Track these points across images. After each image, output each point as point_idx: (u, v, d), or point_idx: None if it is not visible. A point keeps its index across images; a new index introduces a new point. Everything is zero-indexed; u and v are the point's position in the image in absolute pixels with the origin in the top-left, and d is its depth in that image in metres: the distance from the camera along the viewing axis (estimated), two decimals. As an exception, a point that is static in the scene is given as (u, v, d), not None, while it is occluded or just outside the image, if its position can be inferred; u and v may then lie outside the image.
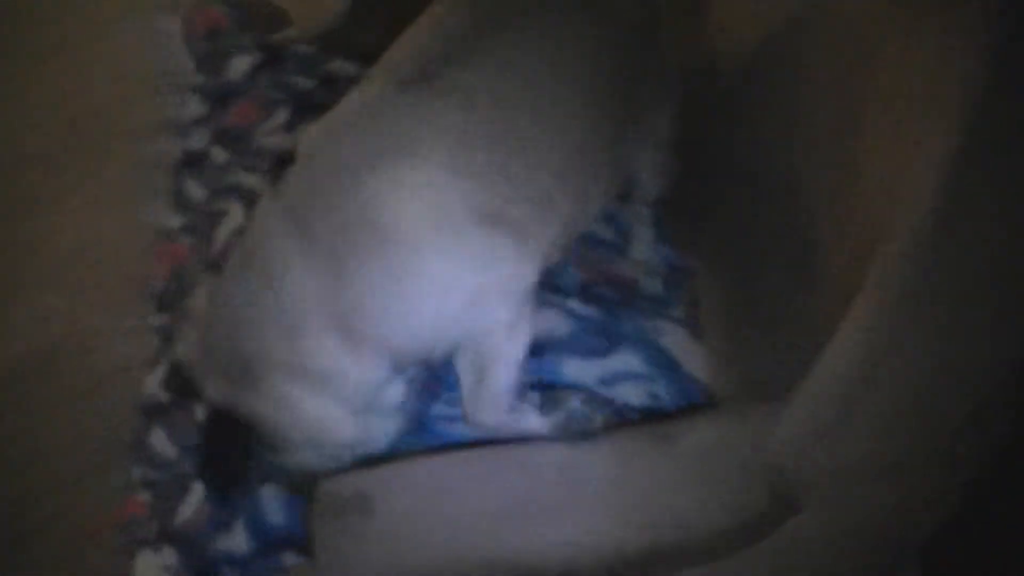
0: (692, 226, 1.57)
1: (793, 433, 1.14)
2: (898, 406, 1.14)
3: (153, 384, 1.59)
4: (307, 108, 1.71)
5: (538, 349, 1.40)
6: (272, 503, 1.39)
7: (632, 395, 1.39)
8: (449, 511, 1.13)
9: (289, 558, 1.35)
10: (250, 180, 1.66)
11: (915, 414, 1.16)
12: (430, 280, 1.22)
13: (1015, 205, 1.00)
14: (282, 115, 1.72)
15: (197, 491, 1.43)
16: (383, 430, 1.27)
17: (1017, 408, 1.15)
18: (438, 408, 1.36)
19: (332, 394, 1.22)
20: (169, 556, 1.39)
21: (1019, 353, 1.12)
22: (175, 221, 1.75)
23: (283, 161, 1.32)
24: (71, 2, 2.81)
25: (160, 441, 1.53)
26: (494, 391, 1.28)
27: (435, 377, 1.35)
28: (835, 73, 1.29)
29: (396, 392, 1.27)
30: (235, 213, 1.64)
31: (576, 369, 1.41)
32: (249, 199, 1.62)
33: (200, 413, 1.44)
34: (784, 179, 1.37)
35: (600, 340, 1.45)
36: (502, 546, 1.11)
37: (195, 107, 1.83)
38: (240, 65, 1.82)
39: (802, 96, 1.36)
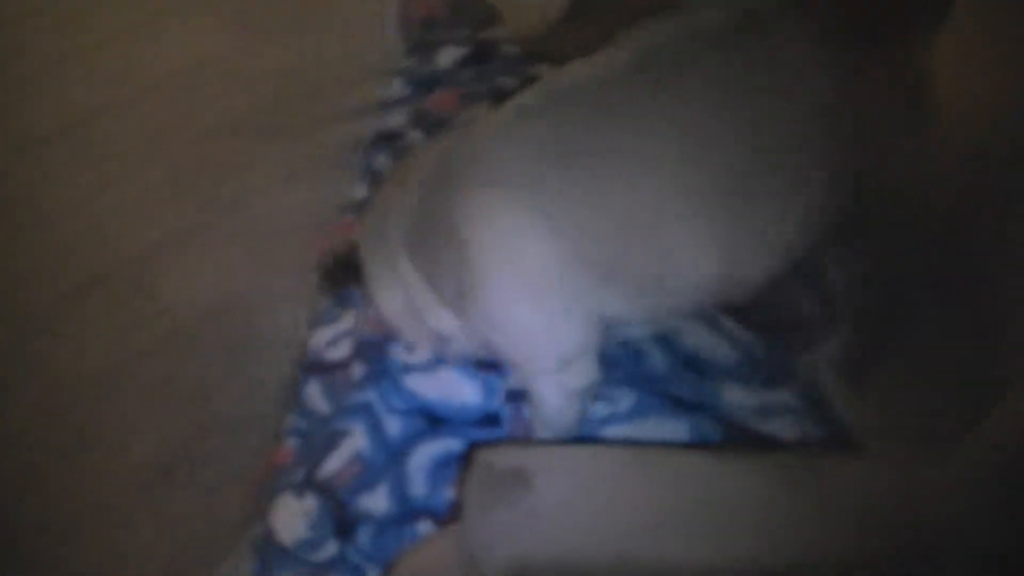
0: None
1: (948, 494, 1.12)
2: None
3: (321, 343, 1.64)
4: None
5: (698, 368, 1.42)
6: (418, 473, 1.43)
7: (786, 430, 1.40)
8: (606, 505, 1.15)
9: (425, 526, 1.39)
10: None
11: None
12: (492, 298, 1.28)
13: None
14: (481, 109, 1.76)
15: (346, 447, 1.47)
16: None
17: None
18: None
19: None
20: (310, 503, 1.43)
21: None
22: (361, 193, 1.81)
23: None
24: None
25: (315, 395, 1.58)
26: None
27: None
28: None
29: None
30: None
31: (737, 396, 1.42)
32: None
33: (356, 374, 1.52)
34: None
35: (759, 369, 1.46)
36: (660, 547, 1.12)
37: (398, 89, 1.90)
38: (448, 56, 1.88)
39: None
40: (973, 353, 1.25)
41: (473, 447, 1.26)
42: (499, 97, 1.76)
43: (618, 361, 1.45)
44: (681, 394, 1.43)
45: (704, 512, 1.14)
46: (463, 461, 1.41)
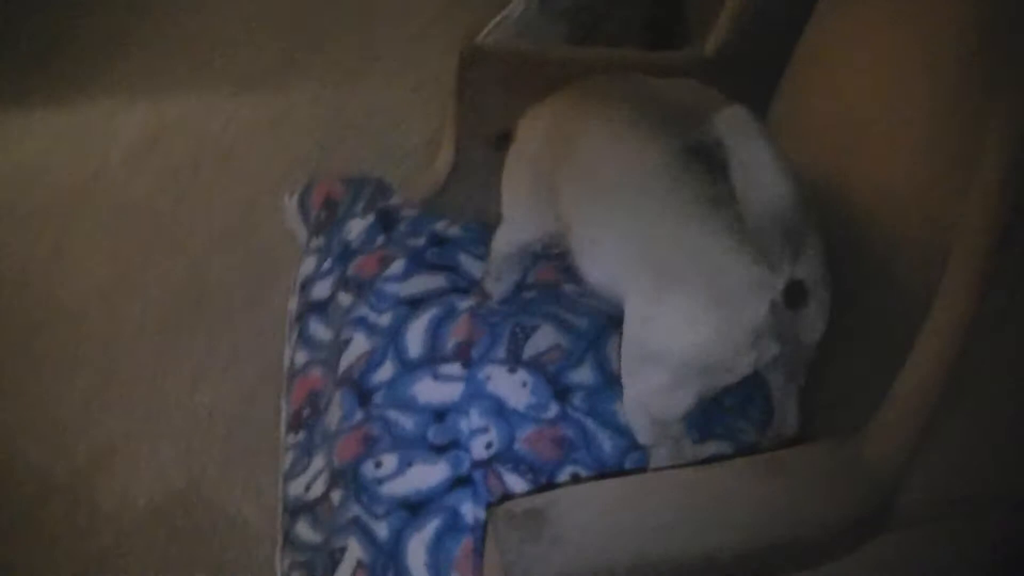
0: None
1: (880, 452, 1.37)
2: (980, 428, 1.37)
3: (300, 489, 1.79)
4: (421, 264, 2.00)
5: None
6: (417, 568, 1.59)
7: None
8: (615, 520, 1.34)
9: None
10: (373, 316, 1.91)
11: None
12: None
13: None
14: (399, 266, 1.98)
15: (348, 561, 1.62)
16: None
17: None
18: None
19: None
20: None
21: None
22: (302, 359, 1.99)
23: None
24: (184, 207, 3.18)
25: (304, 531, 1.74)
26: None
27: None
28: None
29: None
30: (359, 341, 1.88)
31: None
32: (371, 329, 1.88)
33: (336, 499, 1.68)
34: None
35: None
36: (666, 547, 1.31)
37: (314, 265, 2.11)
38: (356, 228, 2.11)
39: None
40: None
41: (488, 508, 1.43)
42: (412, 254, 2.00)
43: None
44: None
45: (698, 511, 1.35)
46: (454, 534, 1.61)
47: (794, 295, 1.41)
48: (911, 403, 1.34)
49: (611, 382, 1.72)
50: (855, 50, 1.75)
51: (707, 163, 1.47)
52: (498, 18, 3.23)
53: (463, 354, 1.83)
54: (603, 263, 1.64)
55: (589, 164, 1.66)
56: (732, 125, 1.42)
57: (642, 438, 1.65)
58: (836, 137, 1.72)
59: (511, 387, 1.78)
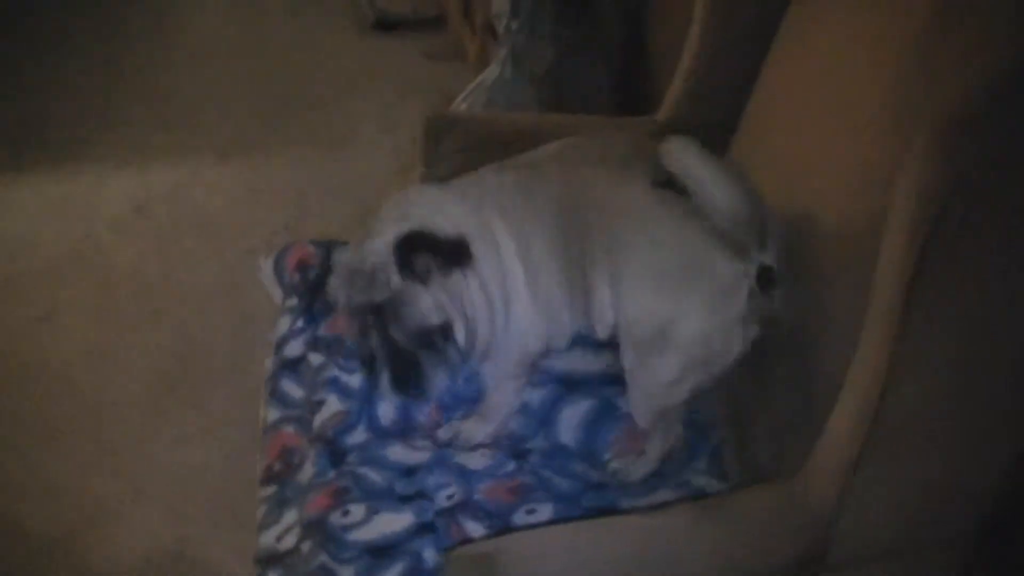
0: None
1: (816, 492, 1.45)
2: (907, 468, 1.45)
3: (271, 540, 1.87)
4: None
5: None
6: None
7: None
8: (565, 565, 1.42)
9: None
10: (345, 377, 1.99)
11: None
12: None
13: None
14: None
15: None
16: None
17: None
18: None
19: None
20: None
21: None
22: (275, 415, 2.07)
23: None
24: (168, 272, 3.28)
25: (276, 578, 1.82)
26: None
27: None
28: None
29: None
30: (332, 403, 1.97)
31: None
32: (344, 391, 1.97)
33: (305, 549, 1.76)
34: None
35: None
36: None
37: (287, 324, 2.20)
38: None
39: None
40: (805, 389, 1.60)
41: (443, 553, 1.51)
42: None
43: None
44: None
45: (641, 558, 1.43)
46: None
47: (766, 279, 1.56)
48: (842, 443, 1.42)
49: (561, 447, 1.88)
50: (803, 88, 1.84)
51: (673, 189, 1.66)
52: (472, 84, 3.34)
53: (432, 432, 1.95)
54: (626, 295, 1.75)
55: (602, 220, 1.80)
56: (676, 152, 1.63)
57: (643, 422, 1.78)
58: (784, 170, 1.80)
59: (474, 456, 1.89)
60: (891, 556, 1.58)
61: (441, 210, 1.81)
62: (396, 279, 1.73)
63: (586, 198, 1.83)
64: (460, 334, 1.77)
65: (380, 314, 1.74)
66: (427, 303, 1.73)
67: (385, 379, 1.77)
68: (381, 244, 1.76)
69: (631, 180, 1.78)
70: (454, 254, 1.74)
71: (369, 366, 1.81)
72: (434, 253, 1.73)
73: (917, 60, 1.44)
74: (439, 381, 1.78)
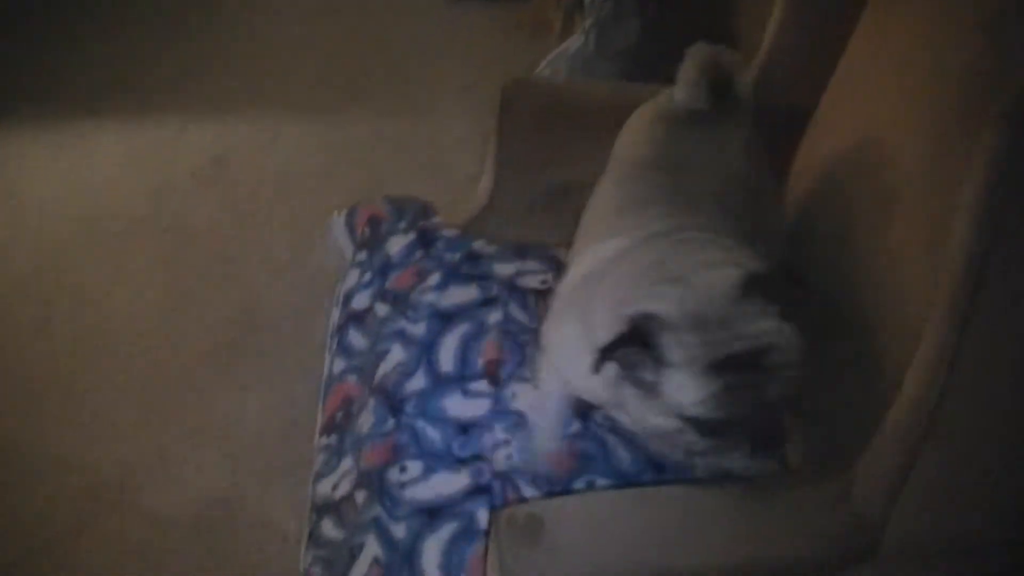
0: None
1: (867, 490, 1.42)
2: (960, 469, 1.41)
3: (327, 488, 1.88)
4: (456, 276, 2.08)
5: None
6: (430, 569, 1.67)
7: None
8: (609, 533, 1.41)
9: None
10: (409, 327, 1.99)
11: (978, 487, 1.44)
12: None
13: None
14: (435, 278, 2.07)
15: (365, 557, 1.71)
16: None
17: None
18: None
19: None
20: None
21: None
22: (340, 366, 2.08)
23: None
24: (243, 226, 3.32)
25: (329, 528, 1.84)
26: None
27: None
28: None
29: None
30: (396, 352, 1.97)
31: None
32: (407, 341, 1.96)
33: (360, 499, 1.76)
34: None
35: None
36: (655, 560, 1.39)
37: (356, 278, 2.20)
38: (397, 244, 2.20)
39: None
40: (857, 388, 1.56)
41: (492, 512, 1.49)
42: (448, 269, 2.08)
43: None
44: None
45: (689, 528, 1.41)
46: (469, 538, 1.68)
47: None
48: (897, 442, 1.39)
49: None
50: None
51: None
52: (554, 53, 3.33)
53: (491, 372, 1.91)
54: None
55: None
56: None
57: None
58: (859, 154, 1.77)
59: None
60: (944, 556, 1.54)
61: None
62: (771, 323, 1.36)
63: None
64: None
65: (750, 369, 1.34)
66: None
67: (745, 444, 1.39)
68: (728, 285, 1.37)
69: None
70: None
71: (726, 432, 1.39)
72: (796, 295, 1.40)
73: (991, 42, 1.41)
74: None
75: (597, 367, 1.34)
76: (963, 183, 1.25)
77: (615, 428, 1.78)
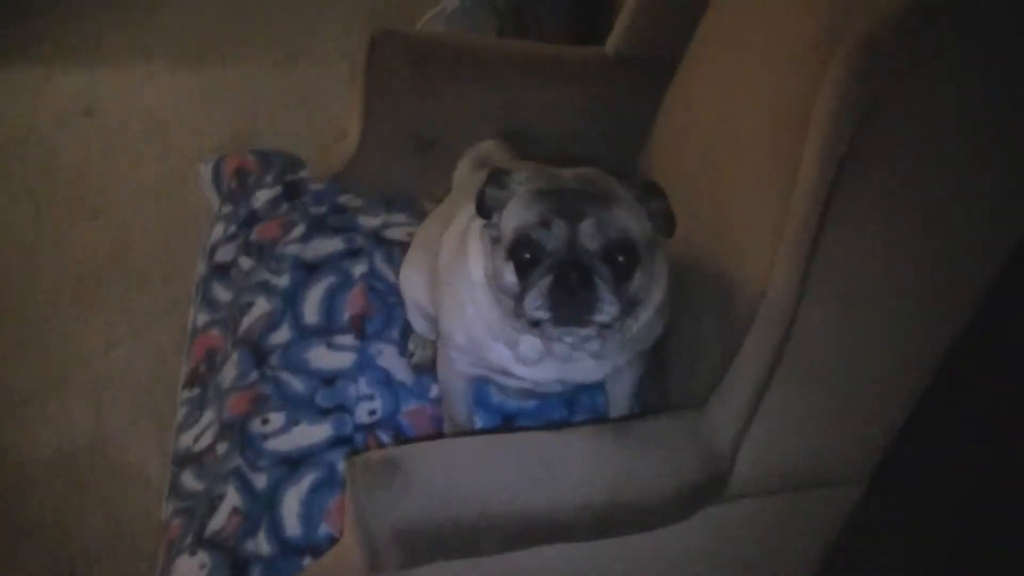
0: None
1: (717, 426, 1.48)
2: (804, 410, 1.48)
3: (188, 441, 1.88)
4: (321, 227, 2.08)
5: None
6: (290, 518, 1.68)
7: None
8: (464, 475, 1.43)
9: (308, 561, 1.64)
10: (273, 279, 1.99)
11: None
12: None
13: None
14: (299, 230, 2.07)
15: (225, 506, 1.71)
16: None
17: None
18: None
19: None
20: (203, 557, 1.66)
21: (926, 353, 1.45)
22: (203, 319, 2.07)
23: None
24: (112, 173, 3.25)
25: (189, 480, 1.83)
26: None
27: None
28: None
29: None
30: (260, 304, 1.97)
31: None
32: (271, 293, 1.97)
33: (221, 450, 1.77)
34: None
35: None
36: (509, 500, 1.41)
37: (221, 231, 2.19)
38: (263, 197, 2.19)
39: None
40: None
41: (347, 457, 1.52)
42: (313, 220, 2.08)
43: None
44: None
45: (542, 470, 1.45)
46: (330, 487, 1.71)
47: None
48: (744, 380, 1.44)
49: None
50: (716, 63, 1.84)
51: None
52: (433, 11, 3.32)
53: (356, 326, 1.93)
54: None
55: None
56: None
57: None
58: (716, 107, 1.77)
59: (401, 365, 1.90)
60: (791, 489, 1.61)
61: None
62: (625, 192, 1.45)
63: None
64: (645, 276, 1.44)
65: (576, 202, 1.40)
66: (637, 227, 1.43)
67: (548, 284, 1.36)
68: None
69: None
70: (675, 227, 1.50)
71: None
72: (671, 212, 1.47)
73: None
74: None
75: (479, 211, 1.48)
76: (809, 126, 1.28)
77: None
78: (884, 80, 1.18)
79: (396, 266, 1.99)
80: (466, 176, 1.96)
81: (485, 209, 1.47)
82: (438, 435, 1.80)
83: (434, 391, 1.86)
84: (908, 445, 1.59)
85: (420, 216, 2.12)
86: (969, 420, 2.27)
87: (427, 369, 1.88)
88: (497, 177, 1.47)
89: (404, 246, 2.01)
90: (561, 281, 1.36)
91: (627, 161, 2.11)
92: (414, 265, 1.84)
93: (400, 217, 2.14)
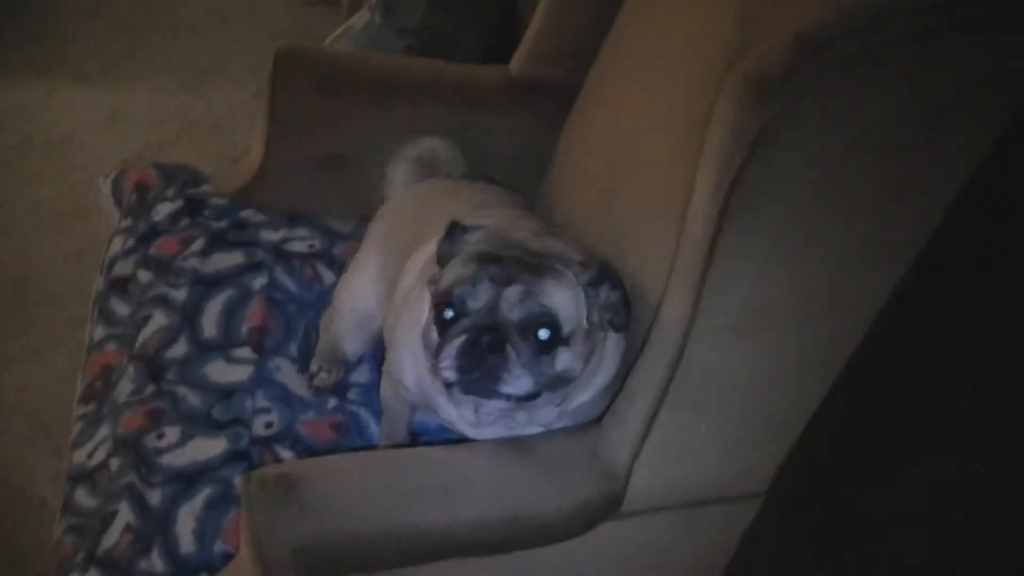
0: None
1: (613, 443, 1.49)
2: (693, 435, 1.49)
3: (83, 457, 1.84)
4: (221, 242, 2.06)
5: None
6: (185, 535, 1.65)
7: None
8: (361, 491, 1.42)
9: (204, 578, 1.62)
10: (172, 293, 1.97)
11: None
12: None
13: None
14: (199, 244, 2.05)
15: (117, 524, 1.67)
16: None
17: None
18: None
19: None
20: (94, 576, 1.62)
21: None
22: (100, 334, 2.03)
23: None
24: (11, 190, 3.18)
25: (82, 497, 1.79)
26: None
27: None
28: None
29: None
30: (157, 318, 1.94)
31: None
32: (169, 307, 1.94)
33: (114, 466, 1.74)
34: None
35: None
36: (406, 516, 1.40)
37: (120, 245, 2.15)
38: (163, 211, 2.16)
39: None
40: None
41: (243, 473, 1.50)
42: (214, 235, 2.06)
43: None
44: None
45: (440, 486, 1.44)
46: (225, 503, 1.68)
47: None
48: (639, 399, 1.44)
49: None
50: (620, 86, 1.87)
51: None
52: (340, 29, 3.31)
53: (255, 339, 1.91)
54: None
55: None
56: None
57: None
58: (620, 134, 1.79)
59: (298, 381, 1.89)
60: (686, 505, 1.62)
61: None
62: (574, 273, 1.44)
63: None
64: (573, 359, 1.43)
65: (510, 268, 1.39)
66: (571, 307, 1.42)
67: (459, 345, 1.36)
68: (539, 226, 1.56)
69: None
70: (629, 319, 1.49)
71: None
72: (625, 304, 1.46)
73: (740, 27, 1.46)
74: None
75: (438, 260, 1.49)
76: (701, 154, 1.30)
77: (365, 403, 1.87)
78: (771, 113, 1.20)
79: (297, 278, 1.98)
80: (401, 176, 2.05)
81: (440, 259, 1.49)
82: (336, 447, 1.79)
83: (332, 403, 1.86)
84: (809, 463, 1.60)
85: (323, 231, 2.12)
86: (875, 436, 2.30)
87: (328, 393, 1.88)
88: (453, 232, 1.48)
89: (306, 259, 1.99)
90: (473, 343, 1.35)
91: (532, 184, 2.12)
92: (364, 270, 1.85)
93: (302, 232, 2.14)
